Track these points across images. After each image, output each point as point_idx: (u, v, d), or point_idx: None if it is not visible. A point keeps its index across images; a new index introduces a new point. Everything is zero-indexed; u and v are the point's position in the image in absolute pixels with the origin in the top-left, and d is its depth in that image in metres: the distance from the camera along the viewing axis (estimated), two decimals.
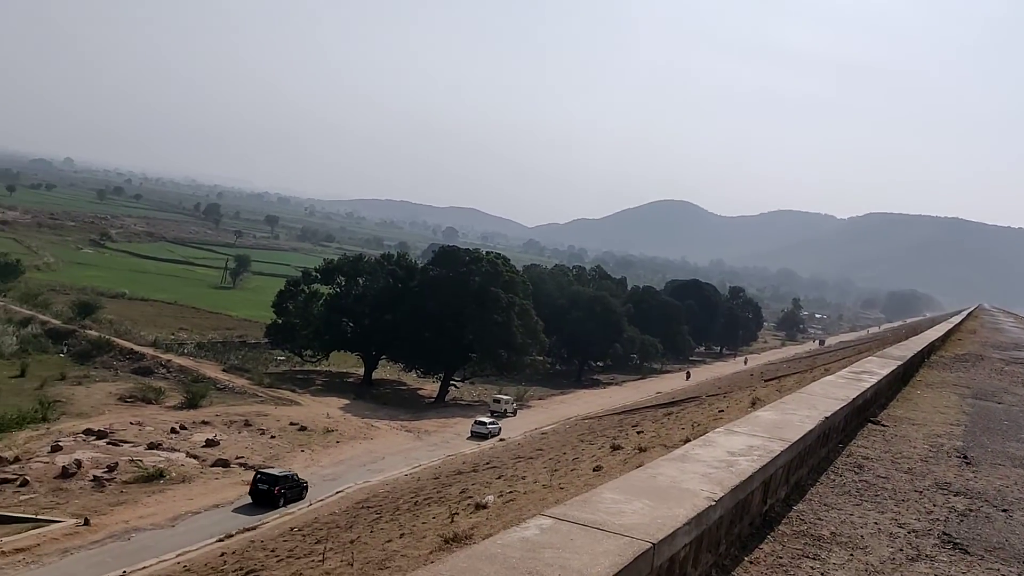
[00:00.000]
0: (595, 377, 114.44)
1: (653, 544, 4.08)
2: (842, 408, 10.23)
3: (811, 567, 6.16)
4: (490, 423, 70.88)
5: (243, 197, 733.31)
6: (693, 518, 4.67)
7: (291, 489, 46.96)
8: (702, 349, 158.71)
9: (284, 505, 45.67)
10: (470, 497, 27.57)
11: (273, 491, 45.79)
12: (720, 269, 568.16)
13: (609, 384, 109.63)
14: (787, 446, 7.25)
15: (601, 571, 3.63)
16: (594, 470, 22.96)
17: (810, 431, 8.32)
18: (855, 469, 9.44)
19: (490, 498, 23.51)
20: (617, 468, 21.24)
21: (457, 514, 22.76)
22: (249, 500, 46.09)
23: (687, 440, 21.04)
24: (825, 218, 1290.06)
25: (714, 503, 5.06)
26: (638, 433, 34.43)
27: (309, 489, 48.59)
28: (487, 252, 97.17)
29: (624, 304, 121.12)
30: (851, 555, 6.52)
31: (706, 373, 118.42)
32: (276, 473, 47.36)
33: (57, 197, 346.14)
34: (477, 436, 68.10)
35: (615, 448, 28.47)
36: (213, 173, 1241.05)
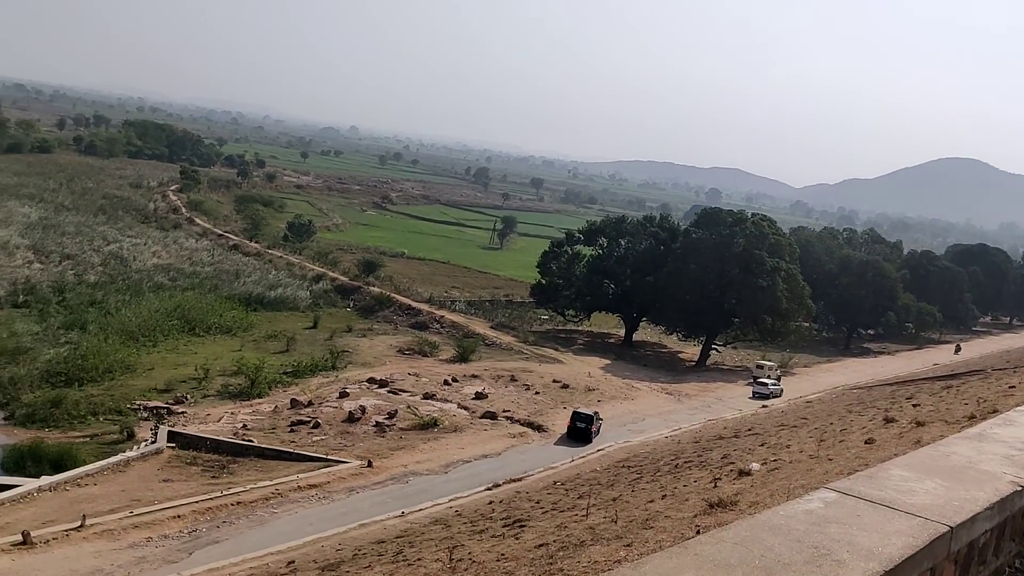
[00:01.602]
0: (865, 346, 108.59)
1: (951, 527, 3.87)
2: None
3: None
4: (772, 384, 71.62)
5: (510, 161, 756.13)
6: (996, 503, 4.39)
7: (597, 428, 53.25)
8: (988, 319, 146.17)
9: (592, 441, 51.80)
10: (732, 463, 27.18)
11: (589, 429, 52.29)
12: (1012, 233, 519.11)
13: (880, 353, 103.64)
14: None
15: (893, 552, 3.50)
16: (866, 442, 21.90)
17: None
18: None
19: (754, 465, 23.06)
20: (891, 442, 20.15)
21: (720, 479, 22.53)
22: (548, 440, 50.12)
23: (972, 417, 19.57)
24: None
25: (1020, 488, 4.72)
26: (914, 406, 32.39)
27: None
28: (751, 214, 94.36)
29: (899, 270, 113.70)
30: None
31: (991, 346, 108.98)
32: (589, 413, 53.69)
33: (344, 163, 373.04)
34: (759, 396, 69.26)
35: (888, 421, 26.98)
36: (483, 139, 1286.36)
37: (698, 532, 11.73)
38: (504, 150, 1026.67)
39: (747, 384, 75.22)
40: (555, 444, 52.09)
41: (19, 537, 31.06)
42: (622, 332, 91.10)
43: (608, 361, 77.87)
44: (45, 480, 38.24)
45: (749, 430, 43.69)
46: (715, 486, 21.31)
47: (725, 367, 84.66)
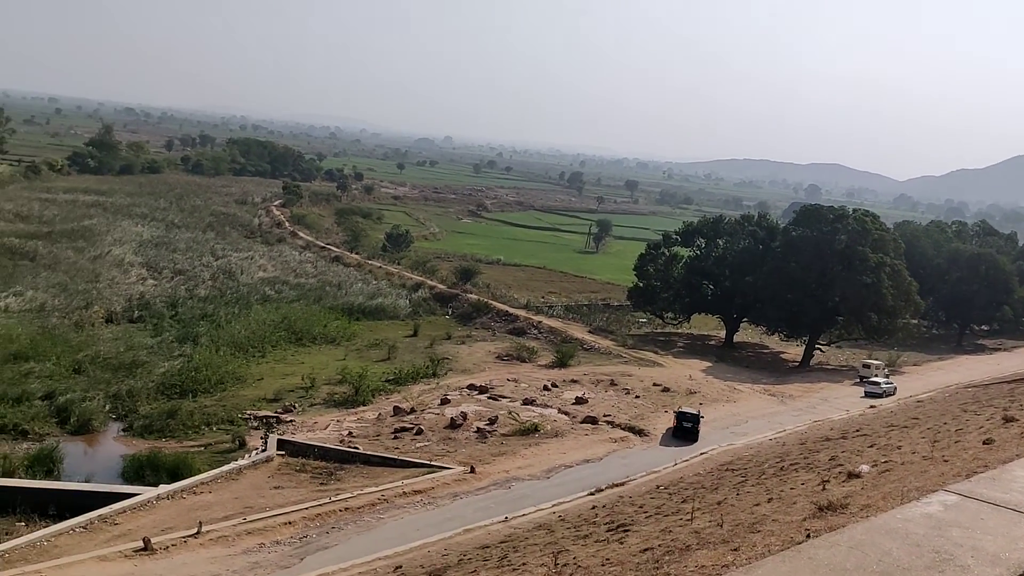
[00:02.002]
0: (979, 342, 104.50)
1: None
2: None
3: None
4: (884, 383, 70.22)
5: (604, 164, 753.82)
6: None
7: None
8: None
9: (698, 440, 52.59)
10: (840, 465, 26.53)
11: (696, 428, 53.20)
12: None
13: (996, 350, 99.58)
14: None
15: (1021, 557, 3.42)
16: (984, 443, 21.13)
17: None
18: None
19: (864, 467, 22.46)
20: (1013, 442, 19.38)
21: (828, 481, 22.01)
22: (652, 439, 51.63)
23: None
24: None
25: None
26: None
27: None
28: (853, 209, 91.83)
29: (1014, 262, 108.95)
30: None
31: None
32: (695, 412, 54.72)
33: (439, 172, 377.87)
34: (871, 396, 68.02)
35: (1008, 420, 25.95)
36: (575, 143, 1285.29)
37: (808, 536, 11.53)
38: (597, 153, 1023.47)
39: (855, 384, 73.22)
40: (660, 444, 52.47)
41: (140, 543, 32.35)
42: (722, 333, 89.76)
43: (709, 363, 76.82)
44: (163, 488, 39.73)
45: (857, 431, 42.52)
46: (823, 489, 20.84)
47: (830, 367, 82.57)
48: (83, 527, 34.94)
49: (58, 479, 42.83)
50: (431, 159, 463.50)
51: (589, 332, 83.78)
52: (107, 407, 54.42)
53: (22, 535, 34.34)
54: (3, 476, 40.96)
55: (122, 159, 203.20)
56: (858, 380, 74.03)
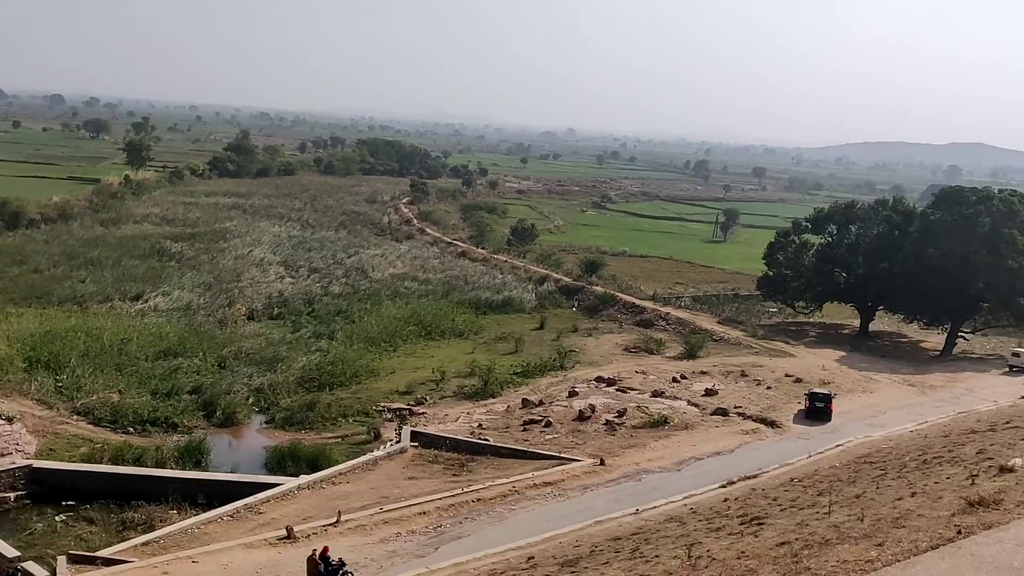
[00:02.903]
0: None
1: None
2: None
3: None
4: None
5: (730, 151, 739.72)
6: None
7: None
8: None
9: (831, 420, 53.37)
10: (990, 459, 25.40)
11: (828, 408, 54.04)
12: None
13: None
14: None
15: None
16: None
17: None
18: None
19: (1017, 461, 21.46)
20: None
21: (977, 476, 21.13)
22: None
23: None
24: None
25: None
26: None
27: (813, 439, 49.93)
28: (999, 190, 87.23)
29: None
30: None
31: None
32: (826, 392, 55.65)
33: (562, 165, 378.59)
34: (1017, 371, 67.45)
35: None
36: (700, 131, 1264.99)
37: (959, 533, 11.12)
38: (723, 141, 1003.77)
39: (1003, 373, 69.85)
40: (793, 423, 53.21)
41: (283, 532, 33.75)
42: (856, 322, 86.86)
43: (843, 353, 74.51)
44: (303, 479, 41.28)
45: (1007, 423, 40.57)
46: (972, 483, 20.02)
47: (974, 356, 78.82)
48: (230, 516, 36.65)
49: (206, 470, 45.02)
50: (554, 152, 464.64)
51: (718, 323, 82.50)
52: (250, 400, 56.85)
53: (175, 523, 36.32)
54: (156, 467, 43.33)
55: (259, 162, 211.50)
56: (1007, 369, 70.50)
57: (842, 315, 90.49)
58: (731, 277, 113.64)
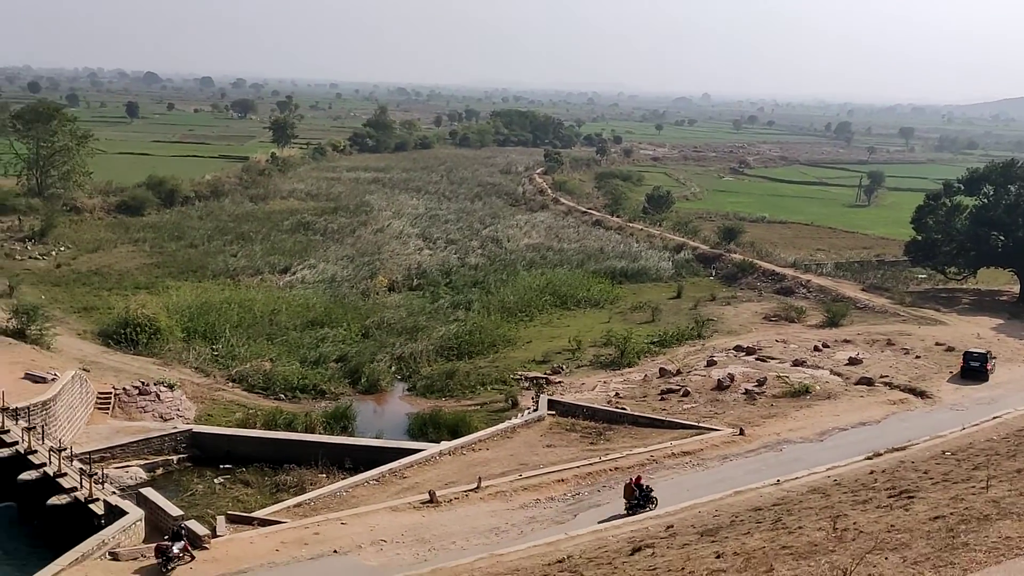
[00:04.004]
0: None
1: None
2: None
3: None
4: None
5: (874, 112, 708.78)
6: None
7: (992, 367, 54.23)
8: None
9: (988, 380, 53.08)
10: None
11: (984, 367, 53.45)
12: None
13: None
14: None
15: None
16: None
17: None
18: None
19: None
20: None
21: None
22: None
23: None
24: None
25: None
26: None
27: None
28: None
29: None
30: None
31: None
32: (982, 351, 54.95)
33: (698, 131, 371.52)
34: None
35: None
36: (842, 91, 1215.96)
37: None
38: (867, 100, 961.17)
39: None
40: (948, 382, 52.87)
41: (427, 496, 34.81)
42: (1016, 288, 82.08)
43: (1000, 321, 70.70)
44: (445, 445, 42.39)
45: None
46: None
47: None
48: (376, 480, 38.06)
49: (352, 435, 46.88)
50: (689, 118, 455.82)
51: (862, 290, 79.63)
52: (392, 368, 58.70)
53: (324, 486, 38.01)
54: (306, 432, 45.35)
55: (396, 137, 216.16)
56: None
57: (999, 281, 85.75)
58: (876, 243, 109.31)
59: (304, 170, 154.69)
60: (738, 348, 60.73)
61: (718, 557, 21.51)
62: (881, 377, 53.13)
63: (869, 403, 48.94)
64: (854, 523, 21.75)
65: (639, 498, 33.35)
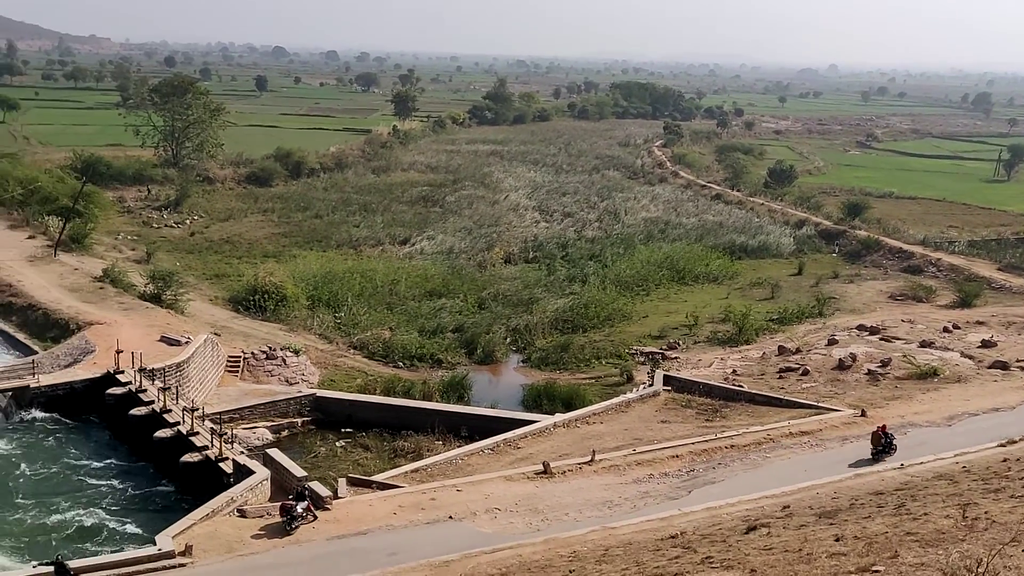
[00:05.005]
0: None
1: None
2: None
3: None
4: None
5: (1017, 82, 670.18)
6: None
7: None
8: None
9: None
10: None
11: None
12: None
13: None
14: None
15: None
16: None
17: None
18: None
19: None
20: None
21: None
22: None
23: None
24: None
25: None
26: None
27: None
28: None
29: None
30: None
31: None
32: None
33: (824, 103, 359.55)
34: None
35: None
36: (980, 60, 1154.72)
37: None
38: (1010, 70, 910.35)
39: None
40: None
41: (540, 467, 35.15)
42: None
43: None
44: (559, 417, 42.68)
45: None
46: None
47: None
48: (490, 449, 38.65)
49: (467, 404, 47.66)
50: (814, 90, 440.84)
51: (998, 269, 76.02)
52: (507, 340, 59.34)
53: (440, 452, 38.84)
54: (423, 399, 46.42)
55: (515, 109, 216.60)
56: None
57: None
58: (1016, 220, 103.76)
59: (424, 143, 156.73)
60: (861, 327, 58.97)
61: (837, 540, 21.06)
62: (1017, 361, 50.67)
63: (1003, 388, 46.78)
64: (985, 512, 20.94)
65: (884, 445, 35.54)
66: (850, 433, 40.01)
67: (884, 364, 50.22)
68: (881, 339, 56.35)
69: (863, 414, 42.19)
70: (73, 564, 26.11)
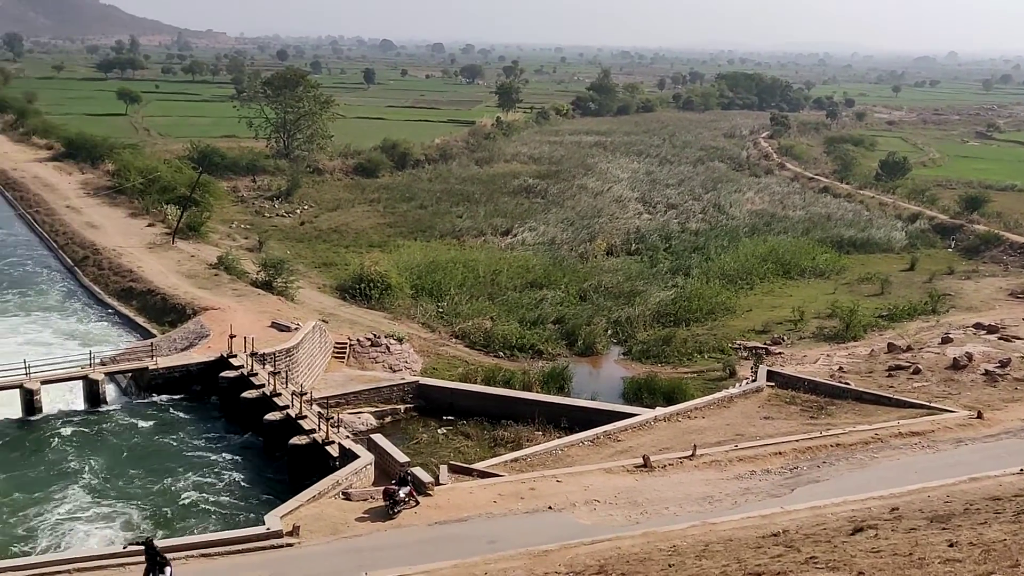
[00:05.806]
0: None
1: None
2: None
3: None
4: None
5: None
6: None
7: None
8: None
9: None
10: None
11: None
12: None
13: None
14: None
15: None
16: None
17: None
18: None
19: None
20: None
21: None
22: None
23: None
24: None
25: None
26: None
27: None
28: None
29: None
30: None
31: None
32: None
33: (940, 93, 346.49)
34: None
35: None
36: None
37: None
38: None
39: None
40: None
41: (640, 460, 34.96)
42: None
43: None
44: (660, 411, 42.36)
45: None
46: None
47: None
48: (590, 441, 38.64)
49: (568, 395, 47.70)
50: (931, 79, 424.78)
51: None
52: (608, 332, 59.08)
53: (540, 443, 39.05)
54: (523, 390, 46.61)
55: (619, 100, 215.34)
56: None
57: None
58: None
59: (527, 134, 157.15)
60: (978, 326, 56.68)
61: (951, 546, 20.33)
62: None
63: None
64: None
65: None
66: (965, 435, 38.58)
67: (1003, 364, 48.16)
68: (1000, 338, 54.03)
69: (979, 416, 40.60)
70: (184, 540, 27.17)
